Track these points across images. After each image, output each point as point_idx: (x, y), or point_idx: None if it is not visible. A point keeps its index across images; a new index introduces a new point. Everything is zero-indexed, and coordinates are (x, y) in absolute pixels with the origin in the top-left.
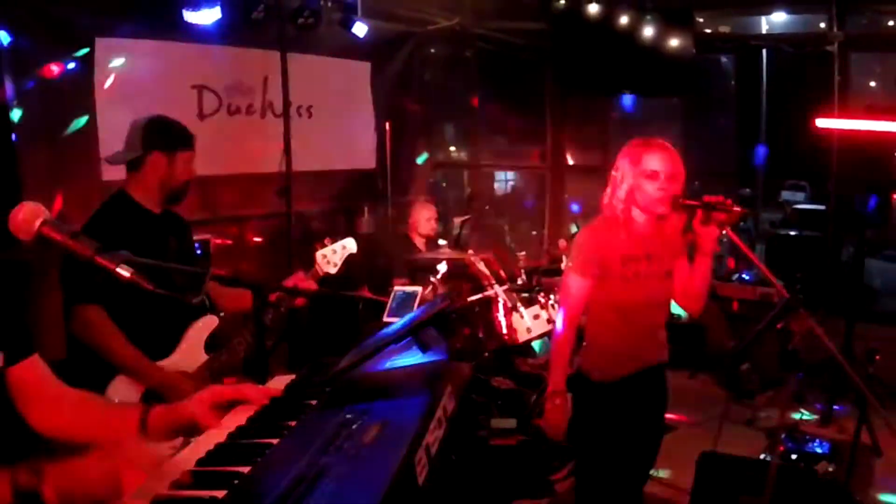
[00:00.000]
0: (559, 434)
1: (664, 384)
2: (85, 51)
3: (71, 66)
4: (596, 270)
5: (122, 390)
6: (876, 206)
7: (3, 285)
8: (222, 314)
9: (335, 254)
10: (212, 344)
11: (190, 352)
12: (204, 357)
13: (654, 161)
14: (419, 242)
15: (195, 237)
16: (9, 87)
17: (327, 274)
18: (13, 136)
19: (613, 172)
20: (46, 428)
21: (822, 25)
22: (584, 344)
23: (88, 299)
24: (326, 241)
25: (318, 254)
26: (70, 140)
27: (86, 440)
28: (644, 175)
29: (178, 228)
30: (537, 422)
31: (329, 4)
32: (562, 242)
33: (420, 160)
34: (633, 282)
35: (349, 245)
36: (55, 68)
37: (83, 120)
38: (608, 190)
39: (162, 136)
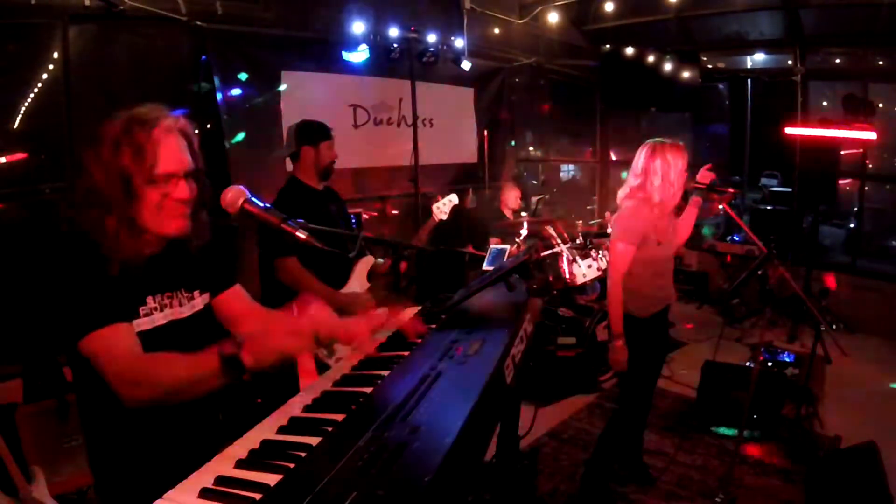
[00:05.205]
0: (623, 367)
1: (667, 314)
2: (273, 80)
3: (264, 91)
4: (638, 238)
5: None
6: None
7: (215, 242)
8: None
9: (445, 205)
10: (370, 275)
11: (358, 280)
12: (367, 284)
13: (680, 162)
14: (507, 213)
15: (351, 212)
16: (221, 105)
17: (441, 220)
18: (225, 142)
19: (651, 165)
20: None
21: (790, 62)
22: (629, 293)
23: (287, 252)
24: (438, 197)
25: (434, 206)
26: (263, 144)
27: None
28: (673, 171)
29: (335, 199)
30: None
31: (444, 48)
32: (607, 214)
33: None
34: (663, 244)
35: (453, 199)
36: (253, 93)
37: (273, 129)
38: (645, 179)
39: (307, 134)
